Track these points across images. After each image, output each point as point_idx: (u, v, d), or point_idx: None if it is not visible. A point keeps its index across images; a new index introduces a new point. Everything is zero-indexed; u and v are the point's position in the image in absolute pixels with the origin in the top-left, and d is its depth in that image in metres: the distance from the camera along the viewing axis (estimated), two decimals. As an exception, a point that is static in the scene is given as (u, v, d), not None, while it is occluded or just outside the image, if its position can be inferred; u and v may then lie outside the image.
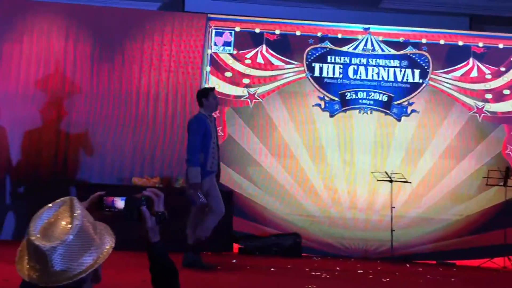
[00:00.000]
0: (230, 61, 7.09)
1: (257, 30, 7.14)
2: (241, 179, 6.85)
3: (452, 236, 6.84)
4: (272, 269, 4.60)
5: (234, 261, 5.52)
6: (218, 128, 6.94)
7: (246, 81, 7.06)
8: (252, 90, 7.04)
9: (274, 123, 6.98)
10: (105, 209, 1.48)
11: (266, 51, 7.11)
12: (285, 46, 7.15)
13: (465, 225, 6.87)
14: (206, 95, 4.89)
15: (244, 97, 7.04)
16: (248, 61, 7.10)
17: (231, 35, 7.12)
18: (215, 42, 7.11)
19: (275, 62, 7.13)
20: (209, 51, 7.09)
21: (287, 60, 7.13)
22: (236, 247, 6.39)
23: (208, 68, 7.06)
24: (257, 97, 7.03)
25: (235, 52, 7.10)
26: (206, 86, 4.74)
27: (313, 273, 4.79)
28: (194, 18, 7.08)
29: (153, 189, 1.53)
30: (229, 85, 7.04)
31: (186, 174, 4.72)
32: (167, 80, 6.98)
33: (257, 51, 7.11)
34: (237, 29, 7.13)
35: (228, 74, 7.06)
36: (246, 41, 7.14)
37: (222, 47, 7.11)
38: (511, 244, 6.68)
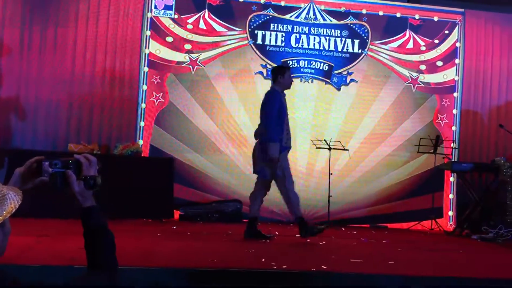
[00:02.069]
0: (172, 26, 6.92)
1: (200, -5, 6.98)
2: (182, 146, 6.81)
3: (385, 201, 7.20)
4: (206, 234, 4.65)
5: (174, 227, 5.53)
6: (158, 95, 6.85)
7: (187, 46, 6.93)
8: (194, 56, 6.93)
9: (216, 90, 6.95)
10: (44, 174, 1.44)
11: (209, 16, 6.99)
12: (228, 12, 7.05)
13: (397, 191, 7.24)
14: (282, 73, 4.93)
15: (186, 63, 6.92)
16: (190, 26, 6.96)
17: (172, -1, 6.92)
18: (155, 5, 6.89)
19: (218, 28, 7.03)
20: (149, 15, 6.87)
21: (230, 26, 7.05)
22: (177, 213, 6.40)
23: (148, 32, 6.86)
24: (199, 64, 6.94)
25: (176, 16, 6.93)
26: (281, 64, 4.99)
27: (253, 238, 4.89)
28: (133, -22, 6.81)
29: (86, 154, 1.50)
30: (170, 51, 6.89)
31: (259, 148, 4.82)
32: (105, 43, 6.72)
33: (199, 16, 6.97)
34: (179, -8, 6.94)
35: (169, 39, 6.90)
36: (188, 5, 6.97)
37: (163, 11, 6.91)
38: (438, 207, 7.16)
